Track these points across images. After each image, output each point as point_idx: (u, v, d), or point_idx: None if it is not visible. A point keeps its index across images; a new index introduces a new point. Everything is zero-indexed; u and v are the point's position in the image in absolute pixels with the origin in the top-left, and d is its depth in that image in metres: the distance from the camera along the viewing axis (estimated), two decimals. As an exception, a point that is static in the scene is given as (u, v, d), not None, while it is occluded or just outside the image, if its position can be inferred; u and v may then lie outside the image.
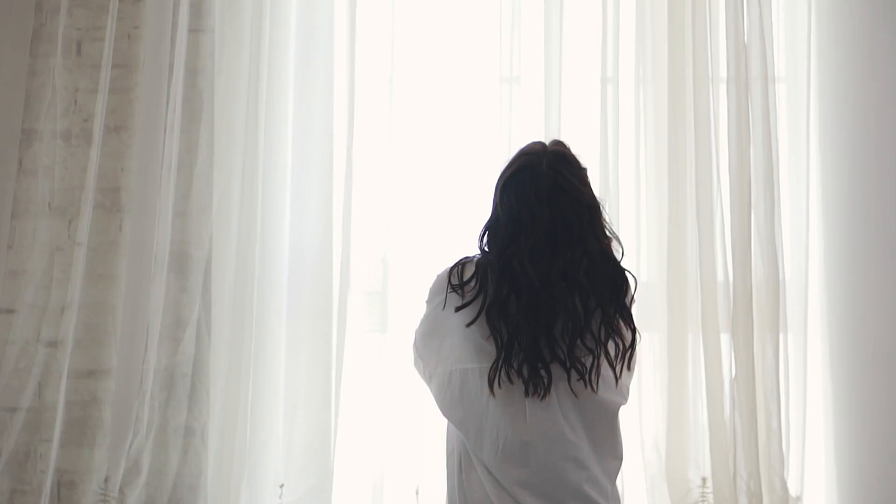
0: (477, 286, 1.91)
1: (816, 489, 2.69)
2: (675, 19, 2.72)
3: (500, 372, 1.88)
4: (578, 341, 1.86)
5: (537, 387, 1.87)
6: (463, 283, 1.93)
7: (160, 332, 2.68)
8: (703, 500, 2.61)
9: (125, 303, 2.69)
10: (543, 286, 1.85)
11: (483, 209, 2.58)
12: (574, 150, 2.01)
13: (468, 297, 1.91)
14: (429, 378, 2.06)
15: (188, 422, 2.70)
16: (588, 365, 1.87)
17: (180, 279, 2.75)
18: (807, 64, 2.75)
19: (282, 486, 2.65)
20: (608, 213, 2.53)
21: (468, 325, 1.91)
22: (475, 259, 1.96)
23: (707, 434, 2.62)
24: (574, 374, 1.87)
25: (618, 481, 2.51)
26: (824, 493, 2.71)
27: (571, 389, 1.88)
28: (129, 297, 2.68)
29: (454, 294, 1.94)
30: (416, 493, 2.66)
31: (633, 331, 1.91)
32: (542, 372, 1.86)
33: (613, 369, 1.89)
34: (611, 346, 1.89)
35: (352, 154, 2.70)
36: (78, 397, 2.72)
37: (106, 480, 2.63)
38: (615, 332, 1.89)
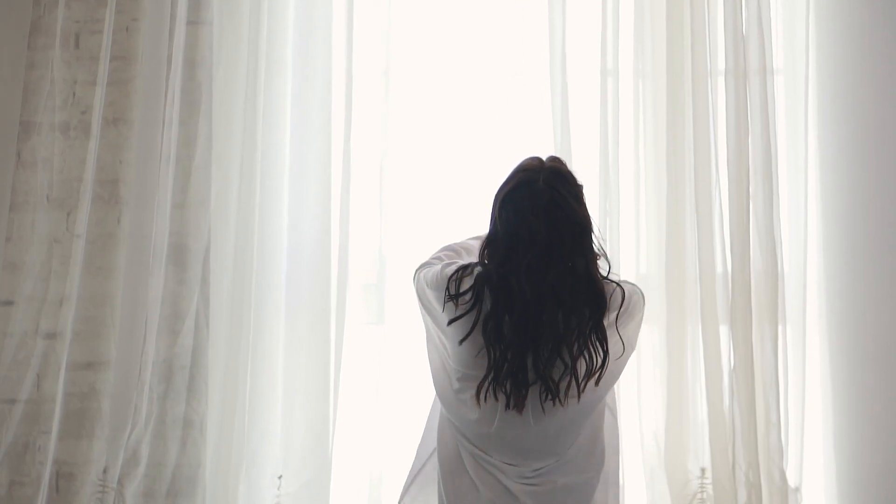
0: (471, 301, 1.95)
1: (815, 480, 2.70)
2: (673, 12, 2.72)
3: (487, 389, 1.95)
4: (557, 358, 1.92)
5: (516, 402, 1.95)
6: (459, 293, 1.97)
7: (158, 324, 2.69)
8: (702, 491, 2.61)
9: (124, 295, 2.69)
10: (536, 302, 1.90)
11: (479, 203, 2.61)
12: (570, 167, 2.05)
13: (460, 311, 1.96)
14: (427, 327, 2.14)
15: (187, 413, 2.71)
16: (558, 380, 1.93)
17: (179, 271, 2.75)
18: (805, 56, 2.75)
19: (280, 477, 2.65)
20: (607, 220, 2.61)
21: (461, 342, 1.97)
22: (475, 271, 1.99)
23: (706, 425, 2.62)
24: (548, 392, 1.93)
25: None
26: (823, 484, 2.71)
27: (541, 405, 1.95)
28: (128, 289, 2.69)
29: (451, 304, 1.98)
30: None
31: (606, 352, 1.95)
32: (524, 390, 1.93)
33: (578, 385, 1.94)
34: (582, 364, 1.94)
35: (349, 146, 2.70)
36: (77, 389, 2.73)
37: (105, 472, 2.63)
38: (588, 351, 1.94)
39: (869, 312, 2.64)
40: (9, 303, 2.74)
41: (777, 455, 2.55)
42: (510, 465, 2.01)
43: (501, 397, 1.95)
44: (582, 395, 1.96)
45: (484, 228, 2.25)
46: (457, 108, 2.85)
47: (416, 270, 2.16)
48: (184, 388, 2.71)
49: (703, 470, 2.62)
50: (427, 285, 2.07)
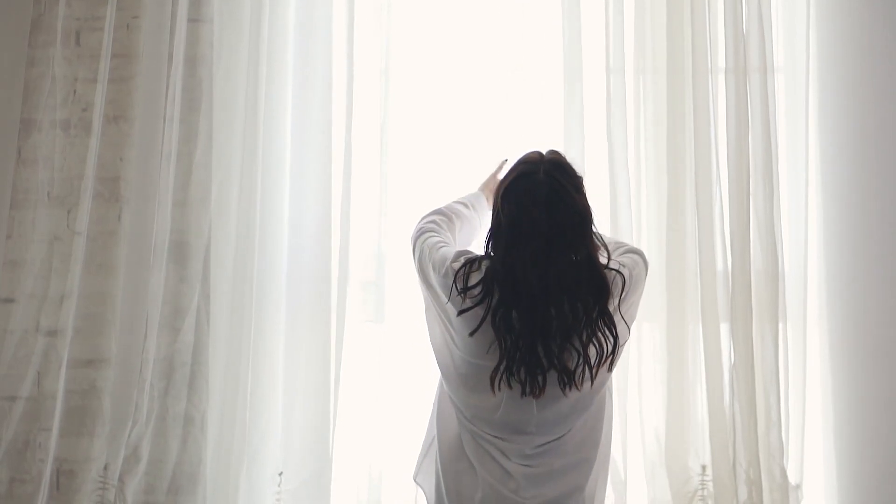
0: (480, 295, 1.98)
1: (816, 477, 2.70)
2: (674, 9, 2.72)
3: (501, 377, 1.98)
4: (567, 345, 1.96)
5: (533, 389, 1.97)
6: (467, 287, 2.00)
7: (159, 321, 2.69)
8: (702, 488, 2.61)
9: (124, 292, 2.69)
10: (542, 292, 1.94)
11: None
12: (569, 159, 2.10)
13: (468, 304, 1.98)
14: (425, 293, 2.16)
15: (187, 410, 2.71)
16: (572, 368, 1.97)
17: (179, 268, 2.75)
18: (805, 54, 2.75)
19: (281, 474, 2.64)
20: (608, 217, 2.60)
21: (471, 334, 2.00)
22: (483, 265, 2.02)
23: (707, 423, 2.62)
24: (561, 378, 1.97)
25: (618, 469, 2.56)
26: (823, 481, 2.71)
27: (560, 391, 1.99)
28: (129, 286, 2.69)
29: (458, 298, 2.01)
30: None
31: (615, 337, 1.99)
32: (540, 379, 1.97)
33: (591, 371, 1.98)
34: (592, 350, 1.98)
35: (350, 143, 2.70)
36: (77, 386, 2.73)
37: (105, 469, 2.63)
38: (597, 337, 1.98)
39: (869, 310, 2.64)
40: (9, 300, 2.74)
41: (777, 452, 2.55)
42: (511, 442, 2.04)
43: (516, 385, 1.98)
44: (595, 381, 2.00)
45: (469, 189, 2.38)
46: (457, 105, 2.85)
47: (415, 238, 2.19)
48: (184, 385, 2.70)
49: (703, 467, 2.62)
50: (433, 269, 2.09)
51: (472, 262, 2.02)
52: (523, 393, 1.98)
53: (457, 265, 2.03)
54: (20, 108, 2.79)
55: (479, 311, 1.97)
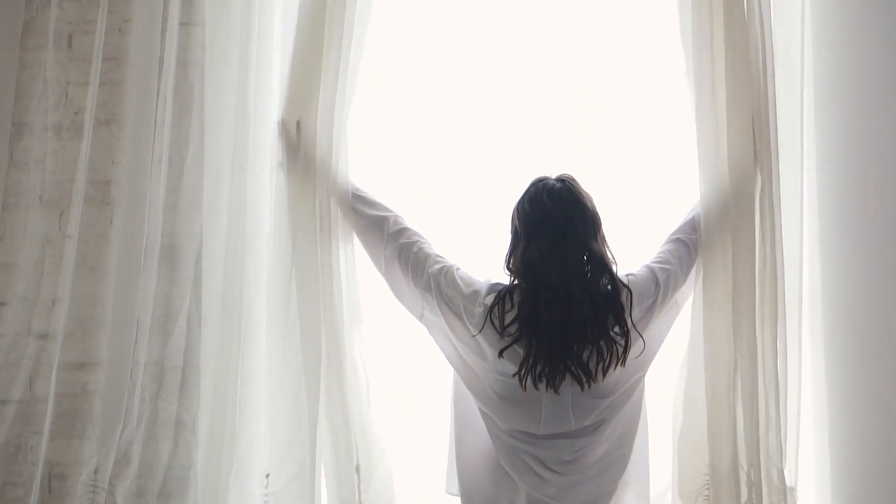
0: (517, 333, 2.08)
1: (809, 479, 2.68)
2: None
3: (526, 377, 2.08)
4: (586, 341, 2.07)
5: (552, 383, 2.08)
6: (504, 326, 2.09)
7: (150, 324, 2.68)
8: (704, 489, 2.58)
9: (115, 295, 2.68)
10: (561, 284, 2.05)
11: (473, 201, 2.62)
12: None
13: (506, 342, 2.08)
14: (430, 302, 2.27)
15: (179, 414, 2.70)
16: (593, 365, 2.08)
17: (170, 271, 2.75)
18: (800, 55, 2.74)
19: (267, 475, 2.62)
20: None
21: (514, 375, 2.10)
22: (515, 299, 2.10)
23: (709, 423, 2.58)
24: (583, 376, 2.08)
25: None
26: (817, 484, 2.70)
27: (581, 387, 2.09)
28: (120, 289, 2.67)
29: (494, 336, 2.10)
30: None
31: (627, 340, 2.10)
32: (560, 374, 2.07)
33: (604, 368, 2.09)
34: (604, 349, 2.08)
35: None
36: (68, 389, 2.72)
37: (96, 472, 2.61)
38: (608, 336, 2.09)
39: (866, 311, 2.61)
40: (1, 303, 2.74)
41: (776, 454, 2.53)
42: (550, 450, 2.11)
43: (541, 386, 2.06)
44: (623, 384, 2.13)
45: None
46: (452, 109, 2.84)
47: (424, 265, 2.27)
48: (176, 388, 2.70)
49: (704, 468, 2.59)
50: (463, 300, 2.17)
51: (503, 299, 2.10)
52: (546, 388, 2.06)
53: (489, 301, 2.12)
54: (11, 111, 2.79)
55: (518, 348, 2.06)
